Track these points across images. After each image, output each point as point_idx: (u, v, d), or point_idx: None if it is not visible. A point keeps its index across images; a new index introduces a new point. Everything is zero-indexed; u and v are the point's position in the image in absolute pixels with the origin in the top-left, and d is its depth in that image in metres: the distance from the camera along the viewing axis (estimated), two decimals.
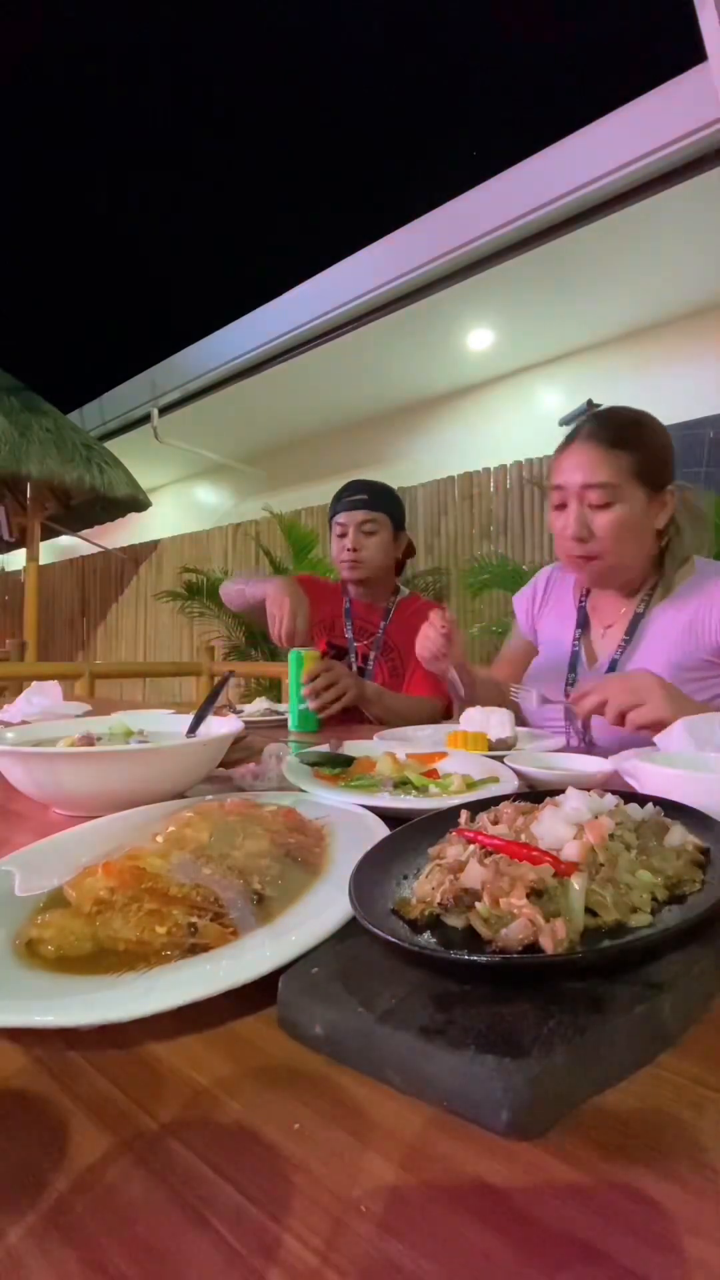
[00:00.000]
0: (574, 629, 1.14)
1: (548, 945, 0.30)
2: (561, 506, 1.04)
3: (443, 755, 0.77)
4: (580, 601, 1.17)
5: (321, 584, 1.81)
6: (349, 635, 1.64)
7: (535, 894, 0.33)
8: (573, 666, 1.11)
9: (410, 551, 1.74)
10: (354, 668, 1.60)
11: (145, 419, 6.21)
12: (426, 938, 0.33)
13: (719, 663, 1.00)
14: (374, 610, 1.67)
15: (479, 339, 4.85)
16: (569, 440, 1.04)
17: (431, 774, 0.70)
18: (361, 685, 1.32)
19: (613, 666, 1.06)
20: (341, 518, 1.62)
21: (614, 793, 0.45)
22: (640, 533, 1.01)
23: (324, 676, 1.24)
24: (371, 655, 1.61)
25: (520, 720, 1.19)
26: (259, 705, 1.42)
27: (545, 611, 1.26)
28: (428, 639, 1.11)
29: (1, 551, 7.99)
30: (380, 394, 5.67)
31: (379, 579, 1.65)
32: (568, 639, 1.15)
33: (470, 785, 0.66)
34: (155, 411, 6.08)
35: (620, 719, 0.82)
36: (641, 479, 0.98)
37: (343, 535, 1.61)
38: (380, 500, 1.62)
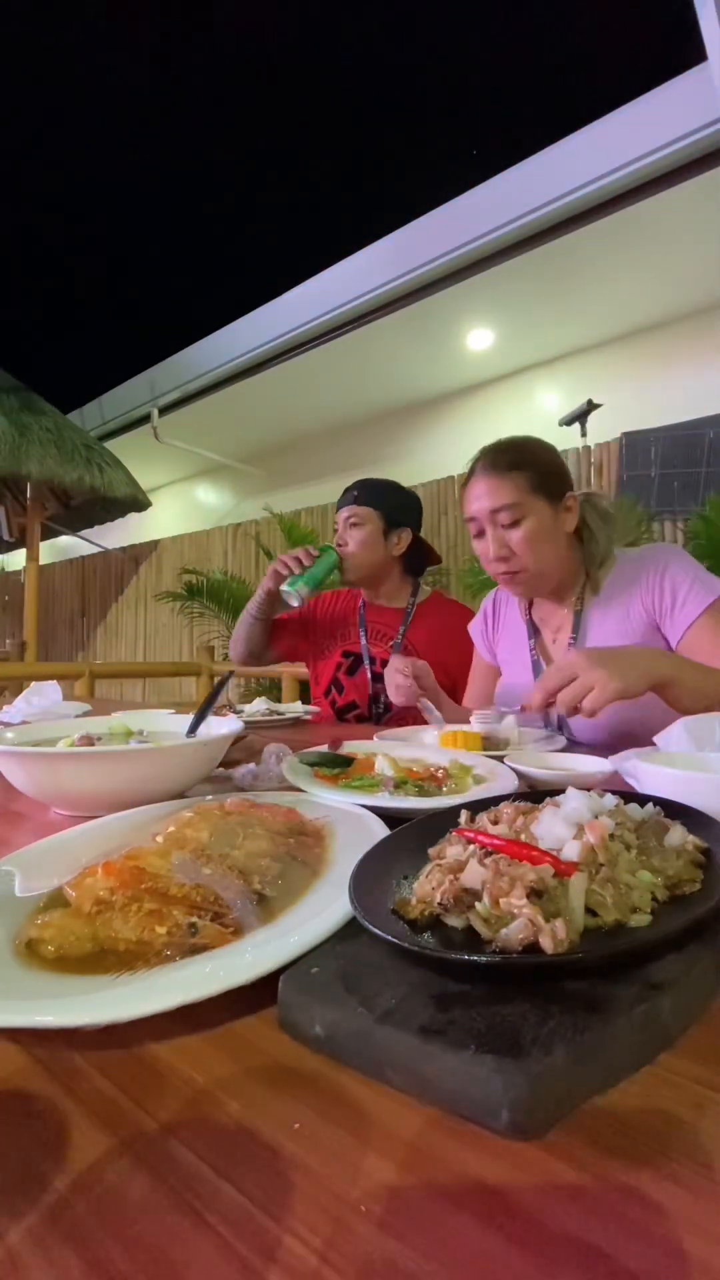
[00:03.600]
0: (528, 639, 1.22)
1: (548, 945, 0.30)
2: (480, 535, 1.12)
3: (442, 768, 0.76)
4: (527, 614, 1.24)
5: (336, 593, 1.77)
6: (364, 641, 1.59)
7: (535, 894, 0.33)
8: (538, 673, 1.17)
9: (427, 555, 1.68)
10: (371, 674, 1.56)
11: (145, 419, 6.21)
12: (426, 938, 0.33)
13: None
14: (390, 613, 1.61)
15: (479, 339, 4.86)
16: (469, 475, 1.12)
17: (430, 777, 0.70)
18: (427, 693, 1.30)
19: None
20: (337, 515, 1.61)
21: (614, 793, 0.45)
22: (552, 540, 1.09)
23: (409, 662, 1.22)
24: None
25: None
26: (259, 705, 1.42)
27: (499, 634, 1.32)
28: (396, 686, 1.17)
29: (1, 551, 8.00)
30: (380, 394, 5.67)
31: (377, 577, 1.60)
32: (525, 651, 1.22)
33: (476, 780, 0.66)
34: (155, 411, 6.08)
35: (574, 711, 0.83)
36: (540, 492, 1.07)
37: (337, 532, 1.59)
38: (369, 494, 1.58)
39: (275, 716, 1.36)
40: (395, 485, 1.66)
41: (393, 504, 1.60)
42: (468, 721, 1.21)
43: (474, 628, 1.38)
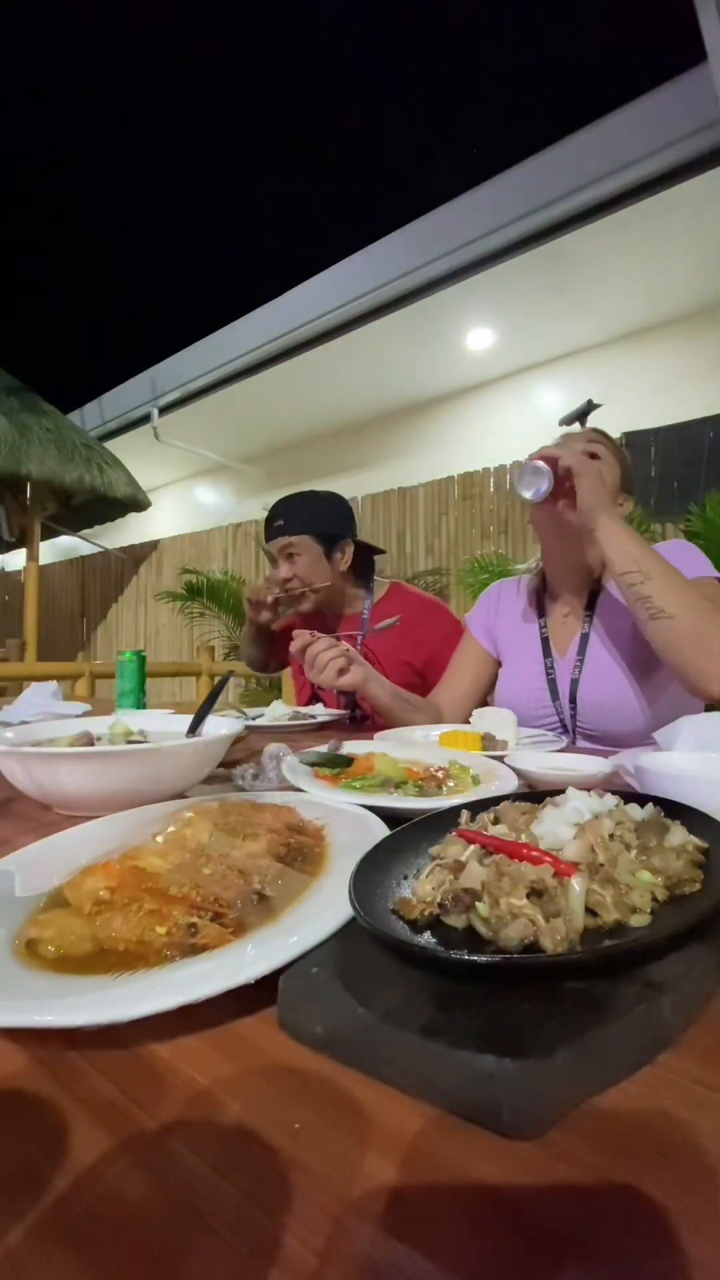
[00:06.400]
0: (538, 620, 1.23)
1: (548, 945, 0.30)
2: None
3: (442, 769, 0.75)
4: (537, 599, 1.26)
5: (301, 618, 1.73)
6: None
7: (535, 894, 0.33)
8: (546, 652, 1.19)
9: (367, 550, 1.59)
10: None
11: (145, 419, 6.22)
12: (426, 938, 0.33)
13: None
14: (351, 619, 1.55)
15: (479, 339, 4.85)
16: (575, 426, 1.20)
17: (430, 777, 0.70)
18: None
19: (583, 644, 1.14)
20: (269, 547, 1.50)
21: (614, 793, 0.45)
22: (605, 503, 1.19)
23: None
24: None
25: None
26: (281, 709, 1.34)
27: (500, 620, 1.31)
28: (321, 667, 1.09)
29: (1, 551, 7.99)
30: (380, 394, 5.67)
31: (333, 598, 1.52)
32: (534, 630, 1.22)
33: (475, 780, 0.66)
34: (155, 411, 6.08)
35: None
36: (620, 469, 1.18)
37: (275, 566, 1.50)
38: (296, 520, 1.47)
39: (301, 721, 1.26)
40: (317, 496, 1.54)
41: (323, 521, 1.49)
42: (424, 711, 1.24)
43: (474, 619, 1.36)
